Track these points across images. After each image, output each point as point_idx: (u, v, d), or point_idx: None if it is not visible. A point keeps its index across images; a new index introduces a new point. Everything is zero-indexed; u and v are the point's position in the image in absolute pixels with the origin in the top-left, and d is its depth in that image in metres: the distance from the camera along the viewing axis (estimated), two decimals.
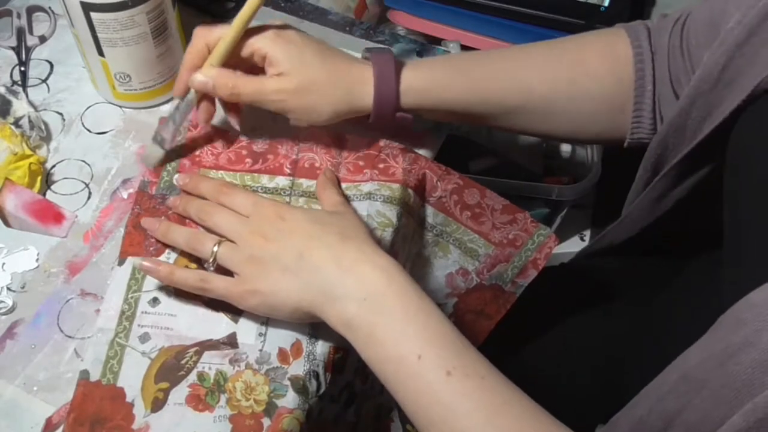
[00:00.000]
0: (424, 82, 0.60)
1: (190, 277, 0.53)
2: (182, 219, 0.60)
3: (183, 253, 0.58)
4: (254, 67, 0.59)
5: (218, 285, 0.53)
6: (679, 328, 0.63)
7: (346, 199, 0.60)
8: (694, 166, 0.58)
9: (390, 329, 0.48)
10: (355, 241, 0.51)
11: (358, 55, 0.74)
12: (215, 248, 0.53)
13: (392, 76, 0.58)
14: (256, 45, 0.57)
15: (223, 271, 0.54)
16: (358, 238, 0.52)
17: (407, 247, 0.65)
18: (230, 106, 0.62)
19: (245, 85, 0.57)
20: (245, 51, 0.58)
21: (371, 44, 0.75)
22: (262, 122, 0.67)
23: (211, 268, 0.54)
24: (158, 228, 0.57)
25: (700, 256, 0.65)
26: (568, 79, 0.61)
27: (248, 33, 0.58)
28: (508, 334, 0.71)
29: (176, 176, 0.61)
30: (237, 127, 0.63)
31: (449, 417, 0.45)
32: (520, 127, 0.65)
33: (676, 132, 0.58)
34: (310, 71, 0.57)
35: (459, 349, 0.48)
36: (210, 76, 0.57)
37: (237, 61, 0.58)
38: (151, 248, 0.58)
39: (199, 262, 0.58)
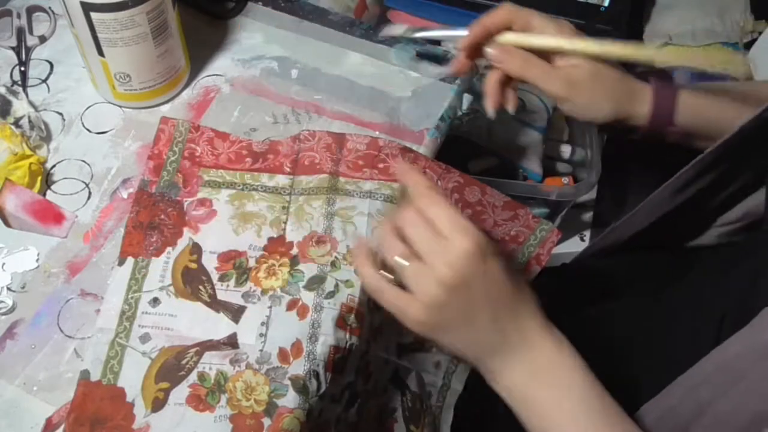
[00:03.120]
0: (702, 100, 0.63)
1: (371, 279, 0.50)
2: (182, 218, 0.60)
3: (185, 252, 0.58)
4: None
5: (391, 300, 0.49)
6: (683, 328, 0.63)
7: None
8: (728, 155, 0.61)
9: (551, 403, 0.48)
10: (509, 323, 0.49)
11: (359, 56, 0.74)
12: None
13: (671, 89, 0.62)
14: (552, 41, 0.60)
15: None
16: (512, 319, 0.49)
17: None
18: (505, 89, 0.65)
19: (535, 65, 0.61)
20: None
21: (371, 44, 0.75)
22: (262, 122, 0.67)
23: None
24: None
25: (705, 253, 0.65)
26: None
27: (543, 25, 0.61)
28: None
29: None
30: (511, 110, 0.66)
31: None
32: None
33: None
34: (601, 65, 0.60)
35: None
36: (506, 50, 0.61)
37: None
38: (151, 248, 0.58)
39: (200, 262, 0.58)
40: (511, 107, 0.65)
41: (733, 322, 0.54)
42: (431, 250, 0.46)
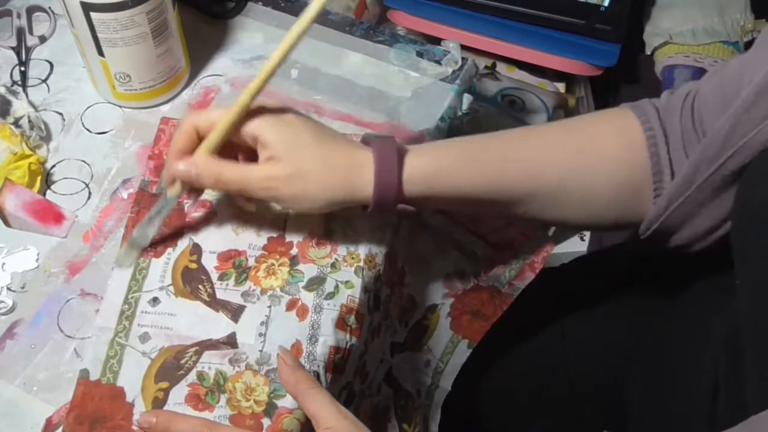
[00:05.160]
0: (430, 169, 0.54)
1: None
2: (182, 219, 0.60)
3: (185, 252, 0.58)
4: (252, 152, 0.54)
5: None
6: (683, 336, 0.63)
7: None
8: None
9: None
10: None
11: (359, 56, 0.74)
12: None
13: (394, 162, 0.52)
14: (249, 126, 0.52)
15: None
16: None
17: (406, 248, 0.65)
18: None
19: (231, 173, 0.52)
20: (237, 134, 0.52)
21: (371, 44, 0.75)
22: None
23: None
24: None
25: (711, 267, 0.64)
26: (582, 164, 0.56)
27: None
28: (505, 334, 0.71)
29: (136, 417, 0.51)
30: (251, 209, 0.58)
31: None
32: (532, 215, 0.59)
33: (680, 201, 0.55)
34: (305, 156, 0.51)
35: None
36: (193, 164, 0.52)
37: (230, 146, 0.53)
38: (151, 249, 0.58)
39: (200, 262, 0.58)
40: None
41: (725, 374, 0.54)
42: None
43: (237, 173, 0.52)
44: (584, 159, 0.56)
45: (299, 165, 0.51)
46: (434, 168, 0.54)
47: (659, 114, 0.57)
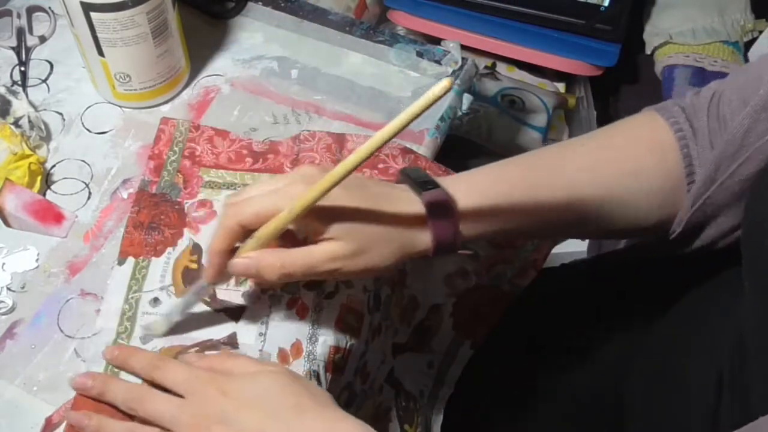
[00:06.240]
0: (482, 217, 0.54)
1: None
2: (182, 219, 0.59)
3: (185, 252, 0.58)
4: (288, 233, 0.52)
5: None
6: (685, 337, 0.63)
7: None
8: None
9: None
10: (314, 411, 0.47)
11: (359, 56, 0.74)
12: None
13: (452, 221, 0.52)
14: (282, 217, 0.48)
15: None
16: (315, 406, 0.48)
17: None
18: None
19: (294, 261, 0.49)
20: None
21: (371, 44, 0.75)
22: (262, 122, 0.67)
23: None
24: (88, 425, 0.50)
25: (715, 269, 0.64)
26: (621, 178, 0.57)
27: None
28: (506, 334, 0.71)
29: (103, 350, 0.54)
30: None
31: None
32: (572, 235, 0.60)
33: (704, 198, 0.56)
34: (365, 231, 0.50)
35: None
36: (255, 260, 0.49)
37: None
38: (150, 249, 0.58)
39: (200, 262, 0.58)
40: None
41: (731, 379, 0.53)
42: (173, 416, 0.49)
43: (300, 260, 0.49)
44: (622, 172, 0.56)
45: (360, 242, 0.50)
46: (487, 215, 0.54)
47: (686, 113, 0.57)
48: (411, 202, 0.52)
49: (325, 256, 0.49)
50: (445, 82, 0.40)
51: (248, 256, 0.49)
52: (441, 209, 0.52)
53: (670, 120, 0.57)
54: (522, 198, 0.55)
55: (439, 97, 0.41)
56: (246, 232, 0.49)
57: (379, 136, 0.43)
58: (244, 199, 0.49)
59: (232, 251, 0.50)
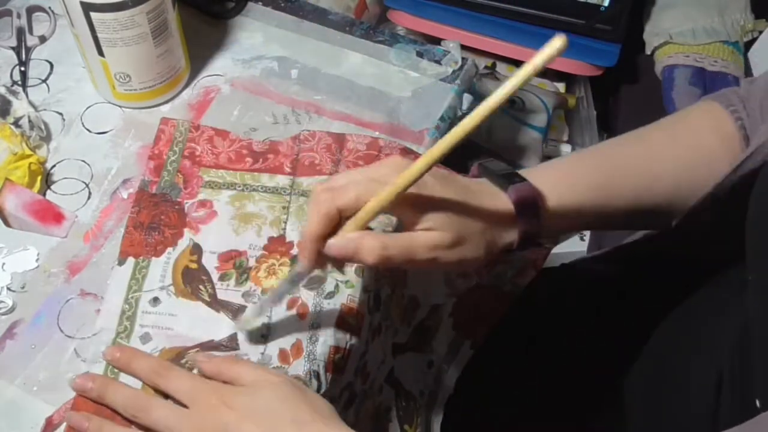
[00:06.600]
0: (566, 211, 0.55)
1: None
2: (183, 219, 0.59)
3: (185, 252, 0.58)
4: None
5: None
6: (685, 335, 0.63)
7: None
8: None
9: None
10: (312, 425, 0.47)
11: (359, 56, 0.74)
12: None
13: (539, 217, 0.53)
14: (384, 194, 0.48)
15: None
16: (314, 419, 0.48)
17: None
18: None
19: (395, 245, 0.49)
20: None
21: (371, 44, 0.75)
22: (262, 122, 0.67)
23: None
24: (88, 427, 0.50)
25: (716, 266, 0.64)
26: (690, 168, 0.58)
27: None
28: (507, 335, 0.70)
29: (104, 350, 0.54)
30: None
31: None
32: (642, 225, 0.62)
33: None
34: (461, 223, 0.50)
35: None
36: (353, 238, 0.49)
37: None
38: (151, 248, 0.58)
39: (200, 262, 0.58)
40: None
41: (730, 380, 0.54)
42: (175, 427, 0.49)
43: (401, 244, 0.49)
44: (691, 163, 0.57)
45: (458, 234, 0.50)
46: (570, 210, 0.55)
47: (743, 102, 0.58)
48: (494, 196, 0.53)
49: (427, 244, 0.50)
50: (558, 42, 0.41)
51: (348, 237, 0.49)
52: (529, 204, 0.53)
53: (730, 108, 0.58)
54: (600, 196, 0.56)
55: (553, 58, 0.42)
56: (341, 218, 0.49)
57: (492, 100, 0.47)
58: (341, 185, 0.49)
59: (326, 237, 0.50)
